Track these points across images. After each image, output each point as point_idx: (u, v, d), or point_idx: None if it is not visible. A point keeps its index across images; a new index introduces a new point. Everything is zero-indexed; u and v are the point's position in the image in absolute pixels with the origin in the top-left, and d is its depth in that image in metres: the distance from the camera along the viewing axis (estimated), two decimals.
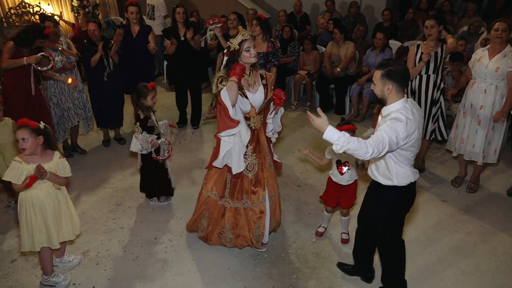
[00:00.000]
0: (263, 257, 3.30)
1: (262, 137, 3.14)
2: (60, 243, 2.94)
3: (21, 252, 3.25)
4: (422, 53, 4.02)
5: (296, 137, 5.43)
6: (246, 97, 2.92)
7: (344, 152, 2.22)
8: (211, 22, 4.42)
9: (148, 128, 3.57)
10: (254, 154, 3.09)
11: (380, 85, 2.38)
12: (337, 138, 2.15)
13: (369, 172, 2.66)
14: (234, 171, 3.01)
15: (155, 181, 3.85)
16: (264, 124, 3.17)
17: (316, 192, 4.13)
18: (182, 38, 5.10)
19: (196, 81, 5.52)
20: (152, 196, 3.96)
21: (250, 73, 2.97)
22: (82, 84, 4.85)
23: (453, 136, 4.15)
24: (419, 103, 4.13)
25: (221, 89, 2.80)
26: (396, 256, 2.77)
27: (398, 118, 2.29)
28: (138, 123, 3.54)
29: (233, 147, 2.96)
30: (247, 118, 3.00)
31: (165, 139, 3.69)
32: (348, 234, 3.46)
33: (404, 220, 2.71)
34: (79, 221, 3.07)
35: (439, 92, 4.09)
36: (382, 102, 2.46)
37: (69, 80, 4.31)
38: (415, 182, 2.54)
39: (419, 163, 4.54)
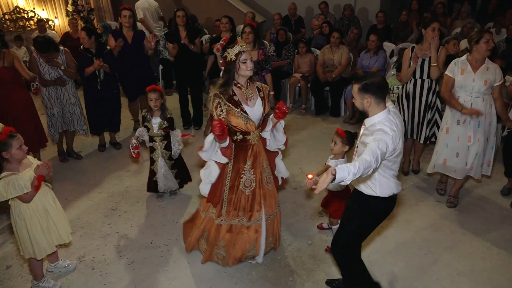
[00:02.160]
0: None
1: (261, 152, 3.03)
2: (55, 246, 2.95)
3: (22, 259, 3.24)
4: (423, 59, 3.95)
5: (291, 139, 5.41)
6: (245, 113, 2.83)
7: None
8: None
9: (144, 127, 3.82)
10: (252, 170, 2.98)
11: (359, 99, 2.39)
12: (348, 173, 2.04)
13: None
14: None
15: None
16: (262, 138, 3.08)
17: (312, 195, 4.13)
18: (183, 42, 5.13)
19: (197, 84, 5.58)
20: (154, 191, 4.12)
21: (247, 85, 2.88)
22: (75, 97, 4.75)
23: (443, 161, 3.86)
24: (413, 108, 4.11)
25: (219, 115, 2.78)
26: (352, 266, 2.73)
27: (384, 130, 2.27)
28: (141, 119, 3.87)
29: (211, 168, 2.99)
30: (246, 133, 2.90)
31: (135, 141, 3.76)
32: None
33: (371, 232, 2.69)
34: (68, 222, 3.08)
35: (434, 96, 4.04)
36: (364, 114, 2.46)
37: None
38: (396, 194, 2.52)
39: (414, 165, 4.55)
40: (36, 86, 4.48)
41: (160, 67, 7.31)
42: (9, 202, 2.74)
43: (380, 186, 2.45)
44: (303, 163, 4.71)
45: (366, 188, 2.51)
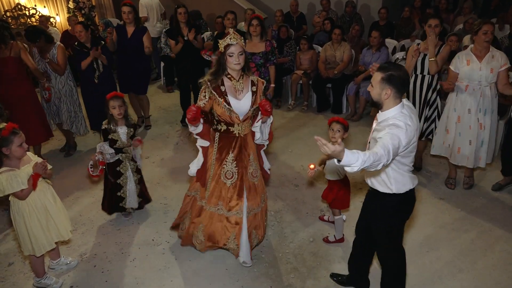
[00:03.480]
0: (260, 257, 3.30)
1: (247, 145, 3.01)
2: (55, 243, 2.95)
3: (23, 256, 3.25)
4: (424, 54, 3.96)
5: (293, 136, 5.43)
6: (229, 104, 2.83)
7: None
8: (206, 54, 4.99)
9: (110, 140, 3.44)
10: (235, 162, 2.97)
11: (378, 89, 2.28)
12: (356, 160, 1.97)
13: (366, 180, 2.57)
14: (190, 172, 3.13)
15: (106, 194, 3.70)
16: (252, 132, 3.07)
17: (313, 191, 4.13)
18: (186, 38, 5.12)
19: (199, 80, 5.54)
20: (107, 211, 3.77)
21: (239, 78, 2.87)
22: (62, 95, 4.73)
23: (443, 142, 4.04)
24: (413, 103, 4.10)
25: (201, 100, 2.87)
26: (397, 265, 2.69)
27: (397, 125, 2.20)
28: (101, 133, 3.51)
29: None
30: (230, 124, 2.91)
31: (99, 157, 3.40)
32: (334, 237, 3.42)
33: (403, 228, 2.63)
34: (68, 219, 3.08)
35: (434, 93, 4.04)
36: (377, 106, 2.38)
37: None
38: (414, 188, 2.47)
39: (416, 162, 4.54)
40: (49, 93, 4.61)
41: (162, 64, 7.31)
42: (9, 198, 2.75)
43: (396, 182, 2.38)
44: (304, 160, 4.70)
45: (381, 186, 2.44)
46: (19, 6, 8.19)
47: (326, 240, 3.45)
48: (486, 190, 4.16)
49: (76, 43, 4.76)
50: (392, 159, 2.19)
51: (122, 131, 3.47)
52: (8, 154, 2.63)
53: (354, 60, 6.22)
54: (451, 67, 3.81)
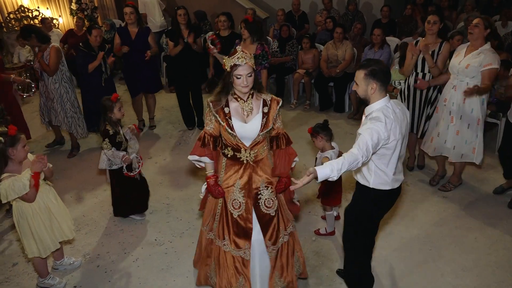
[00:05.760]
0: None
1: (258, 173, 2.59)
2: (59, 242, 2.97)
3: (26, 257, 3.27)
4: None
5: (295, 136, 5.37)
6: (231, 129, 2.46)
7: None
8: (211, 40, 4.86)
9: (117, 143, 3.42)
10: (243, 191, 2.58)
11: (363, 85, 2.36)
12: (331, 171, 2.10)
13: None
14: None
15: (130, 197, 3.69)
16: (266, 163, 2.63)
17: (315, 190, 4.12)
18: (186, 40, 5.10)
19: (198, 83, 5.54)
20: (127, 215, 3.80)
21: (248, 98, 2.49)
22: (55, 95, 4.70)
23: (430, 139, 4.02)
24: (414, 102, 4.08)
25: (207, 124, 2.56)
26: (356, 273, 2.77)
27: (378, 118, 2.27)
28: (107, 139, 3.36)
29: None
30: (237, 150, 2.53)
31: (136, 155, 3.52)
32: (325, 230, 3.53)
33: (373, 232, 2.65)
34: (71, 218, 3.10)
35: (435, 91, 4.01)
36: (365, 102, 2.44)
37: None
38: (393, 190, 2.47)
39: (419, 160, 4.53)
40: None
41: (164, 64, 7.33)
42: (11, 202, 2.76)
43: (375, 177, 2.42)
44: (306, 159, 4.69)
45: (361, 178, 2.51)
46: (22, 8, 8.24)
47: (317, 232, 3.54)
48: (490, 188, 4.14)
49: (81, 44, 4.77)
50: (373, 153, 2.26)
51: (124, 131, 3.52)
52: (13, 156, 2.64)
53: (356, 58, 6.21)
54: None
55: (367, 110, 2.42)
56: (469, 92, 3.52)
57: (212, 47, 4.83)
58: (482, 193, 4.07)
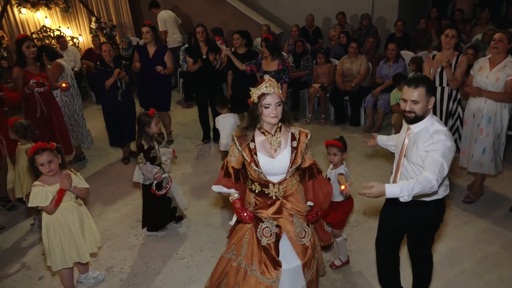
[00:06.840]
0: None
1: (289, 207, 2.48)
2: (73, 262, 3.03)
3: (52, 272, 3.34)
4: (442, 66, 3.95)
5: (312, 149, 5.44)
6: (257, 166, 2.36)
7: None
8: (219, 43, 4.99)
9: (151, 158, 3.49)
10: (275, 222, 2.48)
11: (424, 101, 2.34)
12: (400, 191, 2.15)
13: None
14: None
15: (158, 212, 3.73)
16: (296, 197, 2.51)
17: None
18: (204, 57, 5.24)
19: (215, 98, 5.62)
20: (156, 229, 3.84)
21: (276, 131, 2.40)
22: (65, 108, 5.06)
23: (462, 152, 4.05)
24: (435, 115, 4.11)
25: (230, 156, 2.51)
26: (429, 269, 2.78)
27: (443, 138, 2.27)
28: (142, 154, 3.45)
29: None
30: (265, 186, 2.43)
31: (168, 174, 3.62)
32: (341, 260, 3.31)
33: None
34: (99, 234, 3.17)
35: (455, 103, 4.06)
36: (416, 121, 2.40)
37: (63, 85, 4.76)
38: (440, 199, 2.52)
39: None
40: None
41: (181, 80, 7.47)
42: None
43: (441, 186, 2.41)
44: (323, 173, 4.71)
45: (427, 196, 2.45)
46: (45, 28, 8.53)
47: (333, 265, 3.30)
48: (510, 201, 4.09)
49: (98, 63, 4.94)
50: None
51: (157, 147, 3.60)
52: (40, 169, 2.76)
53: (371, 72, 6.25)
54: (471, 71, 3.89)
55: (416, 127, 2.42)
56: (475, 92, 3.66)
57: (225, 47, 4.99)
58: (503, 206, 4.02)
